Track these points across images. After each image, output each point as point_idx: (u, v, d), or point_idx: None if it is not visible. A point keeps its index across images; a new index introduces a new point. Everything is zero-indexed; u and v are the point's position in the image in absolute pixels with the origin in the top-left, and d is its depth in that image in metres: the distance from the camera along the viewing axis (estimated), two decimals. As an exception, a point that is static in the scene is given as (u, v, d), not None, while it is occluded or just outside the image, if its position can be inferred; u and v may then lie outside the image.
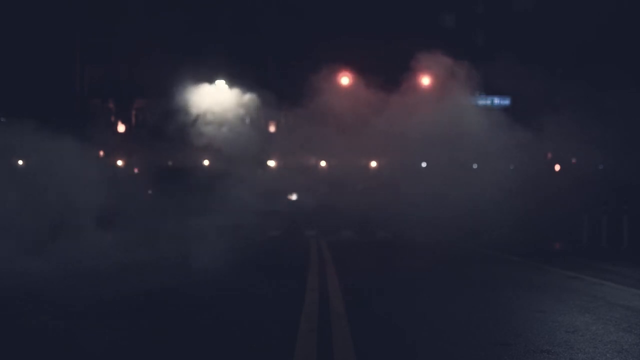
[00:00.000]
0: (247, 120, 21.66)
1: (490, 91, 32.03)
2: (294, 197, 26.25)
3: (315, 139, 23.57)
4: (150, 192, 23.13)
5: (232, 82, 17.37)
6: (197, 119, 19.91)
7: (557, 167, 31.63)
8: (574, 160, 29.86)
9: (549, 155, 31.33)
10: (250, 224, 21.29)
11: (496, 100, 32.02)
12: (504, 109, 31.46)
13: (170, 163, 26.67)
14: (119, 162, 25.25)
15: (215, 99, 18.06)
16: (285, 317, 8.68)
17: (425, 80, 25.59)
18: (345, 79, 25.87)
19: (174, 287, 11.17)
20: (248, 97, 17.27)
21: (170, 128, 19.61)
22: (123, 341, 7.39)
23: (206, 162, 26.21)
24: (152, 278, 12.04)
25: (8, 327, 8.13)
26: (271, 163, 28.85)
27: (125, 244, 15.81)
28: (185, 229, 18.45)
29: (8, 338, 7.59)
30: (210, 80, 16.98)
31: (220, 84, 17.59)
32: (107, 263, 13.58)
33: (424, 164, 34.97)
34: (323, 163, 33.94)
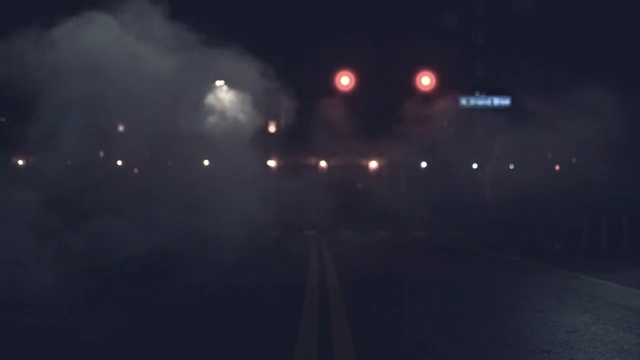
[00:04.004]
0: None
1: (490, 91, 32.05)
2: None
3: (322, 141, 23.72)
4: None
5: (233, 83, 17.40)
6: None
7: (557, 167, 31.65)
8: (573, 160, 29.88)
9: (549, 155, 31.34)
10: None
11: (496, 101, 32.03)
12: (504, 109, 31.47)
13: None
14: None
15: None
16: (285, 317, 8.69)
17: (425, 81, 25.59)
18: (345, 79, 25.87)
19: (175, 285, 11.21)
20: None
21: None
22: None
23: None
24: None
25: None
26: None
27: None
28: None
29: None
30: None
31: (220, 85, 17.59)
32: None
33: (423, 164, 35.01)
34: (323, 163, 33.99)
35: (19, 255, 12.24)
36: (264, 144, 17.95)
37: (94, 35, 13.35)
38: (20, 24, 13.12)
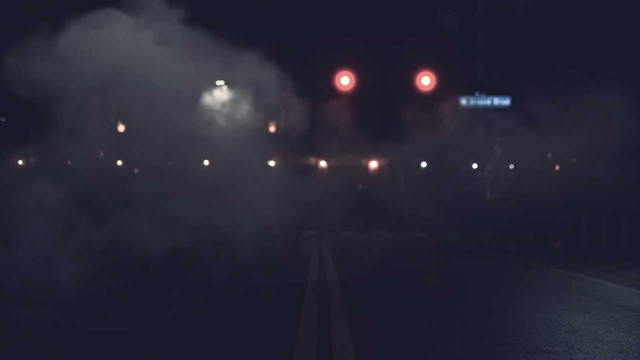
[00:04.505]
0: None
1: (490, 91, 32.08)
2: None
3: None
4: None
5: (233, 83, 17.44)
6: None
7: (557, 167, 31.65)
8: (574, 160, 29.89)
9: (549, 155, 31.36)
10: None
11: (496, 101, 32.06)
12: (504, 109, 31.49)
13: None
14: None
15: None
16: (285, 317, 8.69)
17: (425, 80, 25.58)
18: (345, 79, 25.86)
19: (175, 284, 11.23)
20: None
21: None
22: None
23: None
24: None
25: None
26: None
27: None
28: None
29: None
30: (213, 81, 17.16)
31: (220, 84, 17.60)
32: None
33: (423, 164, 35.01)
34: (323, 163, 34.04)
35: (38, 250, 12.71)
36: (264, 144, 17.99)
37: (105, 35, 13.51)
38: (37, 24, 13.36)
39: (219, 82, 17.17)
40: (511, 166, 33.69)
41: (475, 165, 35.43)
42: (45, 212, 12.74)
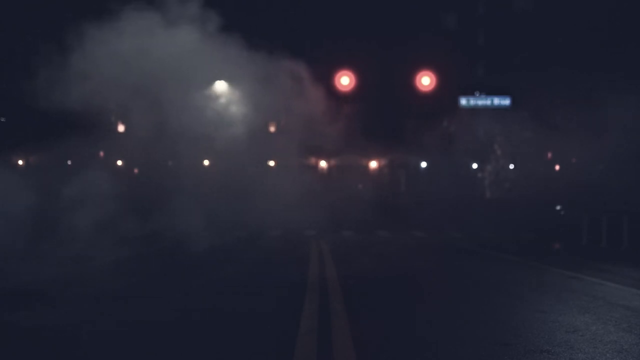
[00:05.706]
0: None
1: (490, 91, 32.06)
2: None
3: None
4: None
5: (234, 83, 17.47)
6: None
7: (557, 167, 31.65)
8: (573, 160, 29.90)
9: (549, 155, 31.34)
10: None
11: (496, 101, 32.05)
12: (504, 109, 31.48)
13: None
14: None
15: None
16: (285, 317, 8.69)
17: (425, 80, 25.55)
18: (345, 79, 25.85)
19: (173, 285, 11.23)
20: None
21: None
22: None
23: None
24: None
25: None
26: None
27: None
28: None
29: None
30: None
31: (221, 84, 17.62)
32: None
33: (423, 164, 35.00)
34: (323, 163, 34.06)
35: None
36: (263, 145, 18.07)
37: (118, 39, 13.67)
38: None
39: (220, 82, 17.20)
40: (511, 166, 33.69)
41: (475, 165, 35.44)
42: (87, 208, 13.16)
